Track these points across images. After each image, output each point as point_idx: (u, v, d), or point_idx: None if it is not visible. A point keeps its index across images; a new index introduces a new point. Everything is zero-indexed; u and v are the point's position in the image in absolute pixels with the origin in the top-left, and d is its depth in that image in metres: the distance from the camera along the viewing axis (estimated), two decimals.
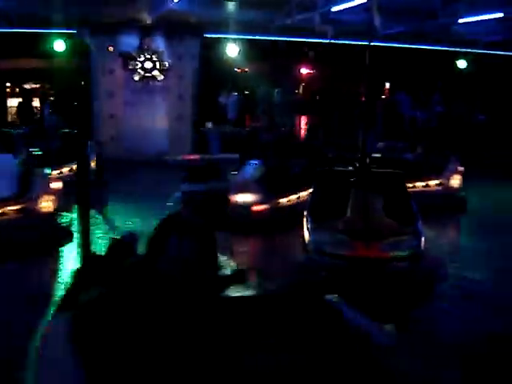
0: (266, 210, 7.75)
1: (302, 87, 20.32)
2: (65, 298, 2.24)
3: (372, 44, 16.77)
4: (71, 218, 7.78)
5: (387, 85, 20.86)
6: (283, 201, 8.21)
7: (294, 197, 8.17)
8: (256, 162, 8.47)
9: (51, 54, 14.78)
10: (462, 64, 18.18)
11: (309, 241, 5.86)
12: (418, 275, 5.48)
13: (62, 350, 1.87)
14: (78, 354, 1.84)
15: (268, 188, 8.08)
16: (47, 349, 1.95)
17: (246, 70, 19.08)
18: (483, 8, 13.36)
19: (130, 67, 14.88)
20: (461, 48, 17.83)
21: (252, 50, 16.52)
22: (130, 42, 14.84)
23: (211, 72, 16.61)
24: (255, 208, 7.53)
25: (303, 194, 8.08)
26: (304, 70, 20.44)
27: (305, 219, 6.28)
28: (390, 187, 6.36)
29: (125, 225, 8.20)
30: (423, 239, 5.79)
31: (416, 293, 5.33)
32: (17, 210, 6.88)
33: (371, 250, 5.42)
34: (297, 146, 11.00)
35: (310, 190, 7.00)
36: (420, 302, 5.31)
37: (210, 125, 14.98)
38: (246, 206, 7.35)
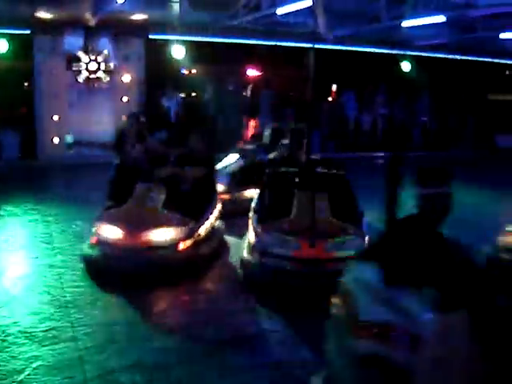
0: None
1: (249, 89, 20.29)
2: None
3: (317, 46, 17.01)
4: None
5: (334, 87, 21.03)
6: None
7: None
8: None
9: None
10: (405, 66, 18.50)
11: (254, 242, 5.85)
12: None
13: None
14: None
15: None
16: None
17: (194, 71, 18.97)
18: (426, 11, 13.61)
19: (75, 68, 14.63)
20: (405, 51, 18.13)
21: (199, 51, 16.45)
22: (74, 42, 14.59)
23: (158, 74, 16.47)
24: None
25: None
26: (252, 72, 20.44)
27: (250, 220, 6.28)
28: (335, 188, 6.41)
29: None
30: (367, 238, 5.87)
31: None
32: None
33: (316, 250, 5.46)
34: None
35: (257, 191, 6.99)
36: None
37: None
38: None
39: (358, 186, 10.90)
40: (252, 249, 5.88)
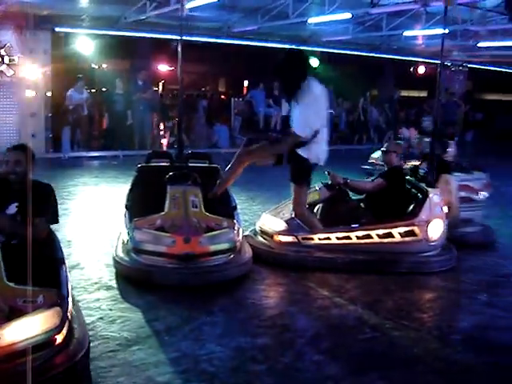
0: None
1: (161, 84, 20.15)
2: None
3: (226, 41, 17.13)
4: None
5: (246, 83, 21.20)
6: None
7: None
8: None
9: None
10: (314, 62, 18.84)
11: (127, 239, 5.74)
12: (238, 266, 5.66)
13: None
14: None
15: None
16: None
17: (105, 66, 18.68)
18: (333, 8, 13.93)
19: None
20: (313, 47, 18.48)
21: (110, 46, 16.21)
22: None
23: (66, 68, 16.12)
24: None
25: None
26: (163, 67, 20.32)
27: (123, 217, 6.16)
28: (208, 181, 6.44)
29: None
30: (241, 231, 6.02)
31: (236, 282, 5.56)
32: None
33: (191, 245, 5.44)
34: None
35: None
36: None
37: None
38: None
39: (258, 180, 11.29)
40: (125, 247, 5.77)
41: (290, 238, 6.31)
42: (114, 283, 5.55)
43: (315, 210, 6.66)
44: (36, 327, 3.41)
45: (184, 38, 7.41)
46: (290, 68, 6.01)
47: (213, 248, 5.55)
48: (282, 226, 6.39)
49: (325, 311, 5.06)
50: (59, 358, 3.43)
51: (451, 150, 8.83)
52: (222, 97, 21.63)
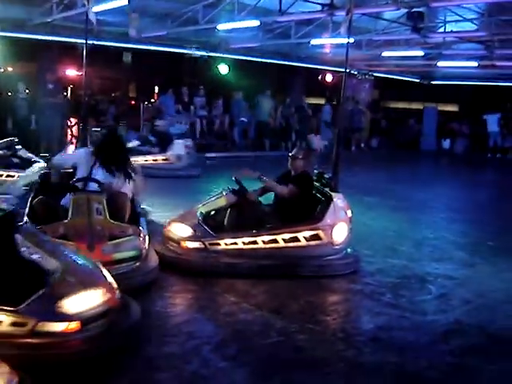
0: None
1: (70, 89, 19.73)
2: None
3: (134, 46, 16.94)
4: None
5: (156, 88, 21.03)
6: None
7: None
8: None
9: None
10: (223, 69, 18.94)
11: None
12: (144, 274, 5.62)
13: None
14: None
15: None
16: None
17: (10, 69, 18.08)
18: (242, 15, 14.05)
19: None
20: (222, 53, 18.56)
21: (15, 48, 15.67)
22: None
23: None
24: None
25: None
26: (72, 72, 19.89)
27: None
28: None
29: None
30: (147, 238, 5.95)
31: (142, 290, 5.45)
32: None
33: (95, 253, 5.34)
34: None
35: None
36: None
37: None
38: None
39: (169, 186, 11.23)
40: None
41: (196, 244, 6.27)
42: None
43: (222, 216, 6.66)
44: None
45: (91, 42, 7.24)
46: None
47: (117, 256, 5.47)
48: (189, 231, 6.34)
49: (231, 317, 5.06)
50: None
51: None
52: (132, 102, 21.36)
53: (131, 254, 5.59)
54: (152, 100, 20.04)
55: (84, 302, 4.01)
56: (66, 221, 5.61)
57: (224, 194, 6.76)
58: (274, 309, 5.28)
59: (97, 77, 20.39)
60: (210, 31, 16.07)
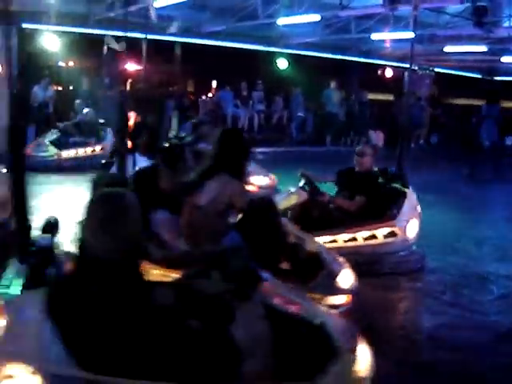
0: None
1: (129, 83, 20.01)
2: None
3: (194, 41, 17.08)
4: None
5: (214, 83, 21.12)
6: None
7: None
8: None
9: None
10: (282, 63, 18.90)
11: None
12: None
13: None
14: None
15: None
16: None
17: (71, 64, 18.46)
18: (302, 10, 14.01)
19: None
20: (281, 48, 18.53)
21: (76, 43, 16.02)
22: None
23: (32, 65, 15.86)
24: None
25: None
26: (131, 66, 20.15)
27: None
28: None
29: None
30: None
31: None
32: None
33: None
34: None
35: None
36: None
37: None
38: None
39: None
40: None
41: None
42: None
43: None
44: None
45: (152, 37, 7.36)
46: None
47: None
48: None
49: None
50: None
51: None
52: (191, 97, 21.54)
53: None
54: (209, 94, 20.14)
55: (350, 277, 4.65)
56: None
57: (292, 191, 6.63)
58: None
59: (156, 71, 20.62)
60: (269, 26, 16.08)
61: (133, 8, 13.06)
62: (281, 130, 19.23)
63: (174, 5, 13.10)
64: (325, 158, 13.70)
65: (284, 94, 19.44)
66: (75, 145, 13.31)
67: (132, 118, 17.42)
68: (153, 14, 9.08)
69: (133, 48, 17.31)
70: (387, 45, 18.74)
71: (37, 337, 2.37)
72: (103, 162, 7.20)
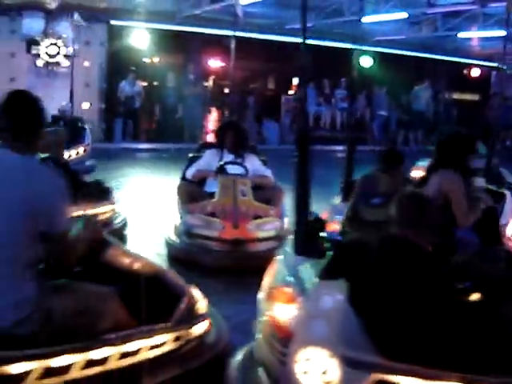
0: None
1: (211, 80, 20.26)
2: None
3: (278, 38, 17.11)
4: None
5: (295, 80, 21.11)
6: None
7: None
8: None
9: None
10: (365, 61, 18.69)
11: (179, 224, 6.11)
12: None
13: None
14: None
15: None
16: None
17: (156, 60, 18.85)
18: (388, 7, 13.84)
19: (34, 52, 14.42)
20: (365, 46, 18.31)
21: (161, 40, 16.36)
22: (34, 26, 14.36)
23: (119, 61, 16.33)
24: None
25: None
26: (214, 63, 20.40)
27: (176, 203, 6.48)
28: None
29: None
30: (286, 220, 6.22)
31: None
32: None
33: (240, 231, 5.73)
34: None
35: None
36: None
37: None
38: None
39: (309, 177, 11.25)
40: (177, 230, 6.12)
41: None
42: None
43: None
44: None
45: (238, 34, 7.49)
46: None
47: (260, 234, 5.82)
48: None
49: None
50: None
51: None
52: (271, 94, 21.61)
53: (272, 233, 5.90)
54: (290, 92, 20.15)
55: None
56: (213, 200, 6.10)
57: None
58: None
59: (237, 68, 20.76)
60: (353, 23, 15.92)
61: (220, 5, 13.28)
62: (363, 128, 19.10)
63: (259, 2, 13.19)
64: (408, 158, 13.44)
65: (367, 93, 19.27)
66: None
67: (214, 114, 17.81)
68: (239, 11, 9.17)
69: (216, 45, 17.69)
70: (475, 43, 18.28)
71: (337, 323, 2.56)
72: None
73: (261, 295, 3.11)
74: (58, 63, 14.49)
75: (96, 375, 2.72)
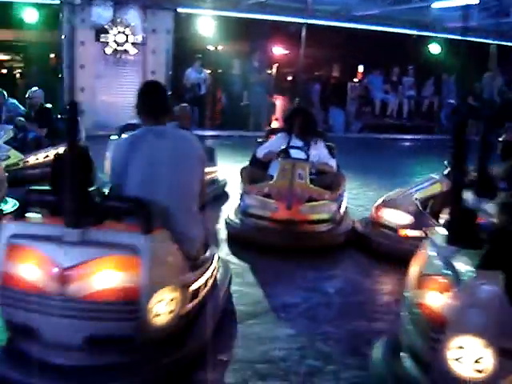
0: None
1: (275, 67, 20.21)
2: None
3: (346, 25, 16.90)
4: None
5: (361, 67, 20.86)
6: None
7: None
8: None
9: (22, 25, 14.53)
10: (434, 48, 18.30)
11: (239, 204, 6.48)
12: (334, 235, 6.15)
13: None
14: None
15: None
16: None
17: (221, 48, 18.94)
18: None
19: (102, 40, 14.68)
20: (434, 33, 17.94)
21: (225, 27, 16.40)
22: (102, 14, 14.61)
23: (185, 48, 16.46)
24: None
25: None
26: (278, 50, 20.34)
27: (240, 184, 6.79)
28: None
29: None
30: (344, 205, 6.57)
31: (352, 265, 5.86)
32: None
33: (292, 212, 5.95)
34: None
35: None
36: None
37: None
38: None
39: (373, 166, 11.19)
40: (236, 210, 6.48)
41: (417, 233, 5.89)
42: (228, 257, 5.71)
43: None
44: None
45: (308, 21, 7.53)
46: None
47: (312, 216, 6.05)
48: (408, 219, 6.09)
49: None
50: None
51: None
52: (336, 81, 21.40)
53: (325, 216, 6.10)
54: (355, 79, 19.90)
55: None
56: (271, 182, 6.34)
57: (438, 178, 6.39)
58: None
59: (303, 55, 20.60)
60: (422, 9, 15.61)
61: None
62: (431, 117, 18.73)
63: None
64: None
65: (435, 80, 18.85)
66: (37, 143, 9.40)
67: (278, 101, 17.78)
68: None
69: (280, 32, 17.61)
70: None
71: (493, 314, 2.61)
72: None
73: (408, 283, 3.16)
74: (125, 51, 14.71)
75: None
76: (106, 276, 3.07)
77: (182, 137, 3.95)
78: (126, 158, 3.69)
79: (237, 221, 6.31)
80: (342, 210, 6.47)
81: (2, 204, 6.16)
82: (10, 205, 6.16)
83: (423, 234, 5.83)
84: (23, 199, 3.45)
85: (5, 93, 9.96)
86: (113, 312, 3.10)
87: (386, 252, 5.96)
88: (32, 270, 3.12)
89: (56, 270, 3.06)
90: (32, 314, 3.12)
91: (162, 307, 3.21)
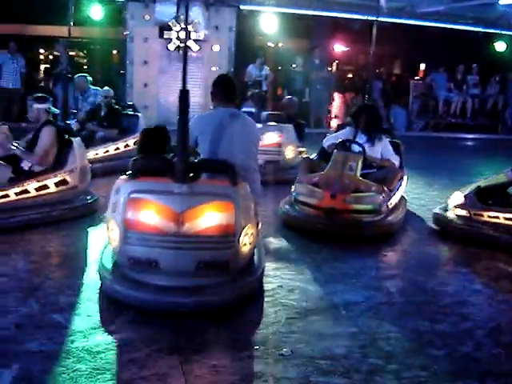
0: None
1: (336, 64, 20.13)
2: None
3: (410, 22, 16.69)
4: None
5: (422, 65, 20.59)
6: None
7: None
8: None
9: (87, 21, 14.90)
10: (500, 46, 17.89)
11: (292, 191, 6.85)
12: (376, 226, 6.36)
13: None
14: None
15: None
16: None
17: (282, 44, 18.97)
18: None
19: (165, 36, 14.91)
20: (501, 30, 17.55)
21: (289, 24, 16.42)
22: (166, 11, 14.84)
23: (247, 45, 16.56)
24: None
25: None
26: (338, 47, 20.25)
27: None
28: None
29: None
30: (395, 198, 6.84)
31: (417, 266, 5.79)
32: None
33: (335, 201, 6.27)
34: None
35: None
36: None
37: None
38: None
39: (436, 165, 11.08)
40: (290, 199, 6.88)
41: (463, 212, 6.49)
42: (285, 254, 5.82)
43: None
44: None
45: (380, 19, 7.76)
46: None
47: (355, 207, 6.31)
48: (461, 199, 6.57)
49: (508, 304, 4.86)
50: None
51: None
52: (398, 79, 21.17)
53: (369, 207, 6.34)
54: (416, 77, 19.63)
55: None
56: (322, 172, 6.72)
57: (505, 172, 6.76)
58: None
59: (363, 52, 20.48)
60: (488, 6, 15.29)
61: None
62: (495, 116, 18.33)
63: None
64: None
65: (500, 79, 18.42)
66: (103, 140, 9.57)
67: (337, 98, 17.70)
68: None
69: (341, 29, 17.52)
70: None
71: None
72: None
73: None
74: (188, 47, 14.86)
75: None
76: (209, 217, 4.18)
77: (247, 119, 5.20)
78: (205, 125, 4.97)
79: (287, 207, 6.73)
80: (393, 202, 6.73)
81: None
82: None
83: (467, 214, 6.44)
84: (134, 164, 4.41)
85: (90, 78, 10.48)
86: (216, 243, 4.24)
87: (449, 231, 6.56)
88: (152, 216, 4.16)
89: (173, 214, 4.13)
90: (154, 249, 4.18)
91: (246, 239, 4.33)
